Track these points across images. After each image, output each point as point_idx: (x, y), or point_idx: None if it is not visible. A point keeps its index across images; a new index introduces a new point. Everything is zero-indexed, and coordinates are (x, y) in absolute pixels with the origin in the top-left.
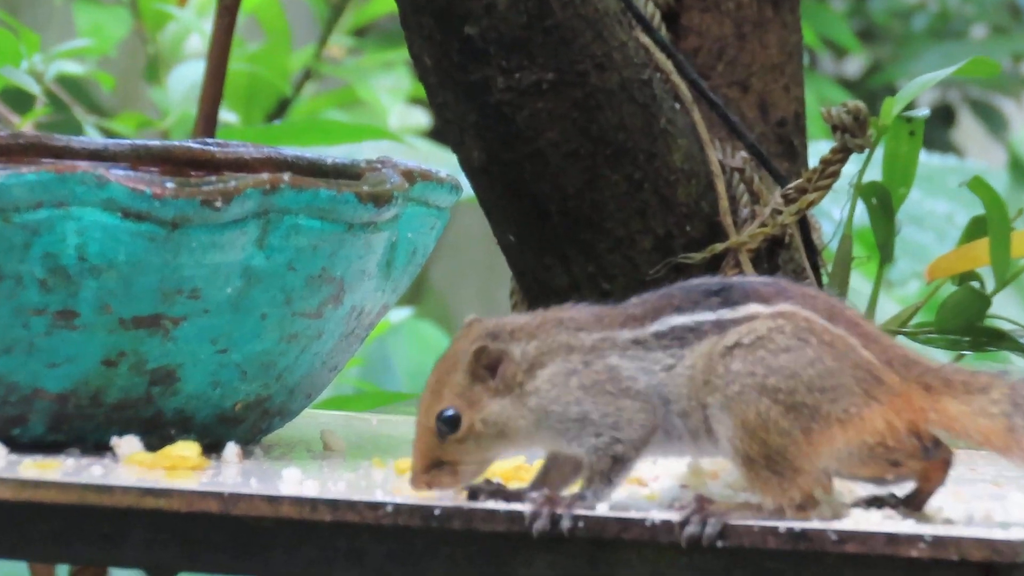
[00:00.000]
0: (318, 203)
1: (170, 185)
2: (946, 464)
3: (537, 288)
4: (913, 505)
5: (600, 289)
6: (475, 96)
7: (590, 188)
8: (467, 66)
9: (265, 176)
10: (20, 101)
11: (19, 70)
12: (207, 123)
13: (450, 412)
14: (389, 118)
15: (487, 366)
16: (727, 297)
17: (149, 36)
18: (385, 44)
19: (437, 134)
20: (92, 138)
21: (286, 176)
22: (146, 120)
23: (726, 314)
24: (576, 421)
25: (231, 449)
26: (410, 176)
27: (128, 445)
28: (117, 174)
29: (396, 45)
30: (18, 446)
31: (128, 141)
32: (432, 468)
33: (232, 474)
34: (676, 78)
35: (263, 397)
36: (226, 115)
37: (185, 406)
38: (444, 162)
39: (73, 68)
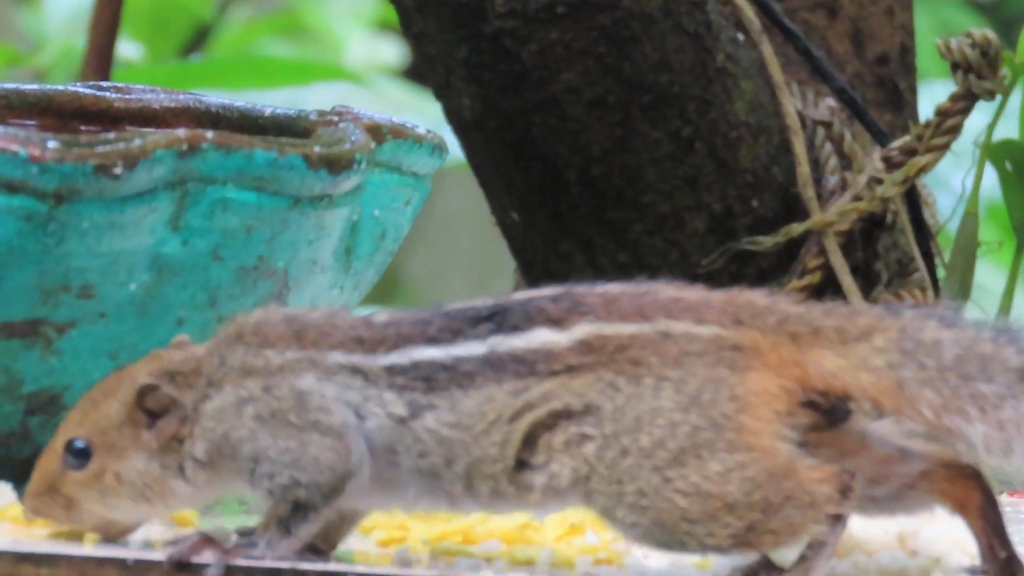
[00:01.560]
0: (253, 169)
1: (52, 145)
2: (980, 487)
3: (549, 283)
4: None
5: None
6: (466, 23)
7: (622, 149)
8: None
9: (181, 132)
10: None
11: None
12: (100, 59)
13: (81, 444)
14: (347, 53)
15: (148, 411)
16: (502, 321)
17: None
18: None
19: (414, 74)
20: None
21: (209, 133)
22: (15, 54)
23: (501, 343)
24: (249, 460)
25: None
26: (377, 132)
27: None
28: None
29: None
30: None
31: None
32: (46, 494)
33: (138, 535)
34: None
35: None
36: (126, 48)
37: None
38: (424, 114)
39: None
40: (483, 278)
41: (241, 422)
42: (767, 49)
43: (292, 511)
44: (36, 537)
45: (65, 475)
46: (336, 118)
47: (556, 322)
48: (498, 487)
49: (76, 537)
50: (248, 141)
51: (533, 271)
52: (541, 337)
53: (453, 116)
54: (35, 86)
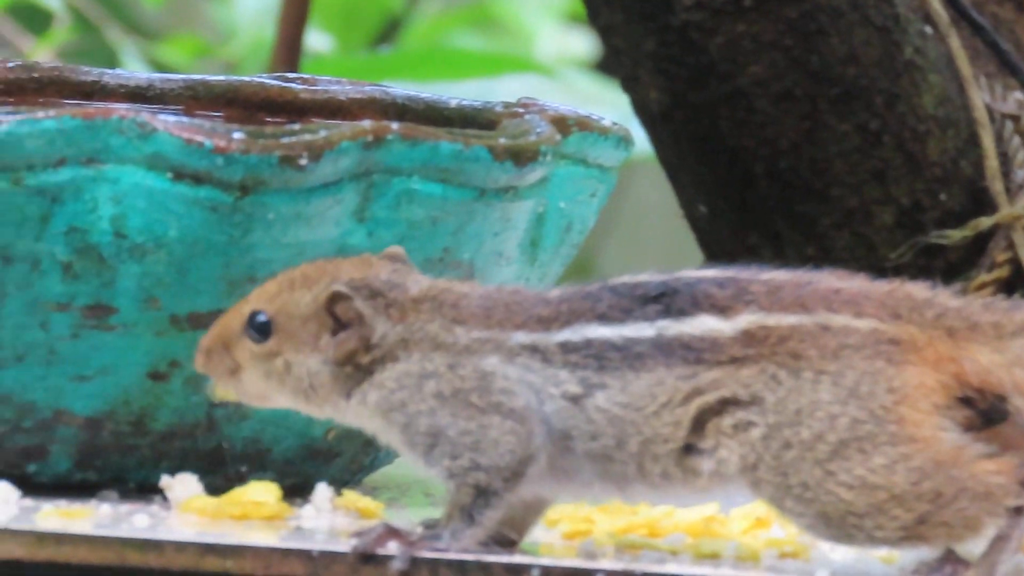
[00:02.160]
0: (438, 161)
1: (238, 136)
2: None
3: None
4: None
5: None
6: (653, 16)
7: (810, 142)
8: None
9: (367, 124)
10: (35, 20)
11: None
12: (289, 51)
13: (265, 319)
14: (537, 45)
15: (336, 317)
16: (669, 304)
17: None
18: None
19: (604, 67)
20: (132, 72)
21: (395, 125)
22: (205, 46)
23: (668, 328)
24: (425, 435)
25: (323, 492)
26: (563, 125)
27: (183, 487)
28: (166, 121)
29: None
30: (35, 487)
31: (181, 76)
32: (218, 351)
33: (324, 526)
34: None
35: None
36: (316, 40)
37: (259, 435)
38: (613, 106)
39: None
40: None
41: (422, 396)
42: (955, 42)
43: (474, 498)
44: (221, 528)
45: (242, 341)
46: (522, 110)
47: (721, 310)
48: (667, 470)
49: (261, 528)
50: (433, 133)
51: (720, 264)
52: (707, 325)
53: (641, 109)
54: (222, 77)
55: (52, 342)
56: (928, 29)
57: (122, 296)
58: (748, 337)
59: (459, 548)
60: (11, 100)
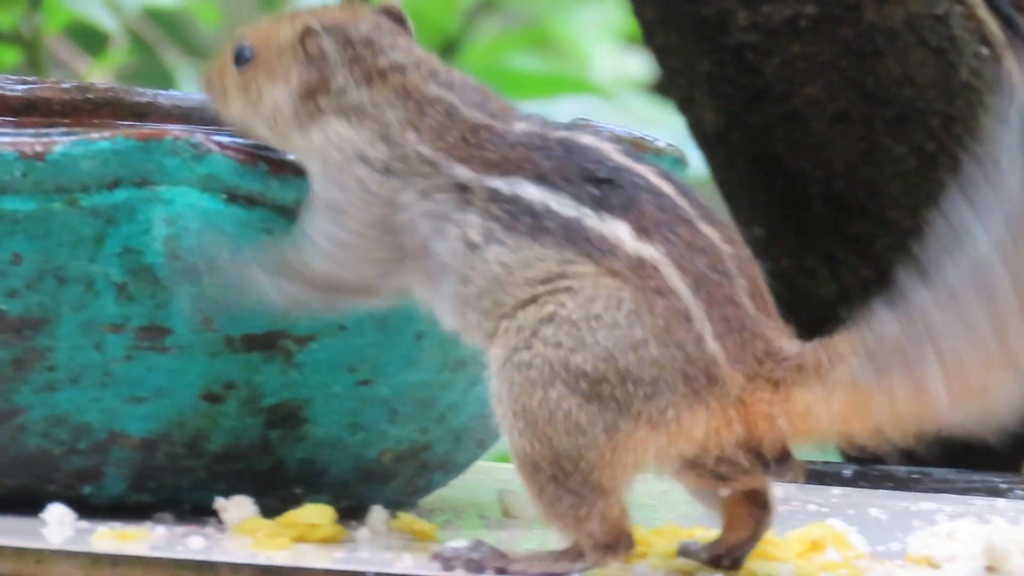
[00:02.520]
0: None
1: (293, 158)
2: (759, 513)
3: (793, 298)
4: (723, 562)
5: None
6: (708, 37)
7: (865, 163)
8: None
9: None
10: (92, 41)
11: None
12: None
13: (247, 48)
14: (594, 66)
15: (306, 52)
16: (606, 196)
17: None
18: None
19: (661, 88)
20: (187, 93)
21: None
22: None
23: (587, 221)
24: (317, 205)
25: (378, 515)
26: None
27: (238, 508)
28: (220, 142)
29: None
30: (90, 509)
31: None
32: (215, 77)
33: (379, 549)
34: (983, 13)
35: (420, 445)
36: None
37: (315, 456)
38: (670, 128)
39: None
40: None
41: (345, 173)
42: (1012, 63)
43: (288, 262)
44: (276, 550)
45: (229, 67)
46: None
47: (639, 230)
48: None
49: (316, 551)
50: None
51: (776, 285)
52: (617, 234)
53: (696, 130)
54: None
55: (107, 363)
56: (984, 50)
57: (177, 317)
58: (636, 265)
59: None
60: (66, 121)
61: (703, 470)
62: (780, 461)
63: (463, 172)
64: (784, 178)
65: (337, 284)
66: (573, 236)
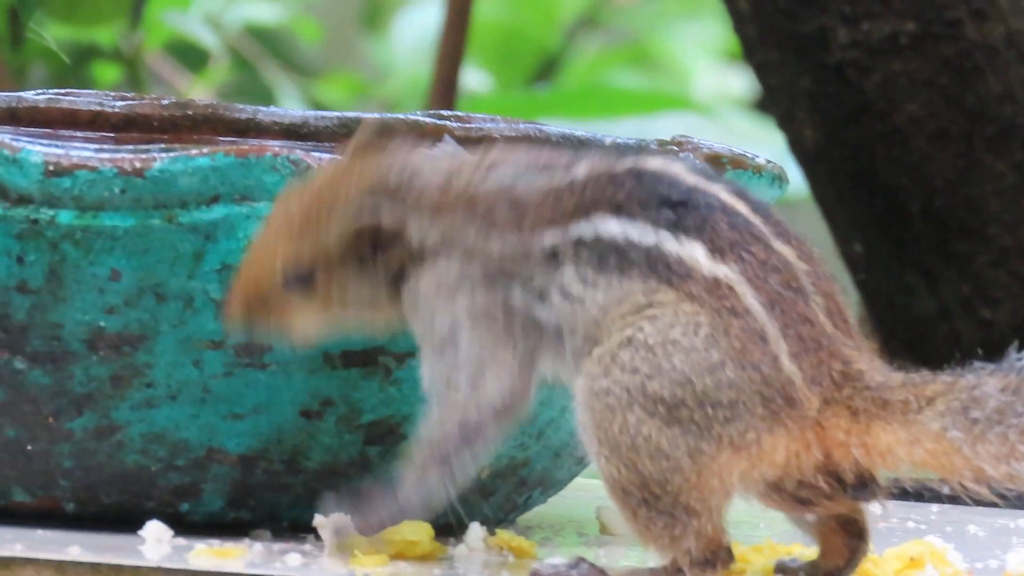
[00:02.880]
0: None
1: None
2: (854, 542)
3: (892, 314)
4: None
5: (978, 317)
6: (809, 54)
7: (965, 181)
8: (797, 13)
9: None
10: (192, 58)
11: (189, 15)
12: (445, 88)
13: (302, 269)
14: (695, 83)
15: (372, 233)
16: (682, 218)
17: None
18: None
19: (761, 106)
20: (286, 110)
21: None
22: (362, 84)
23: (665, 246)
24: (438, 343)
25: (476, 532)
26: (717, 162)
27: (337, 526)
28: (320, 159)
29: None
30: (188, 526)
31: (335, 113)
32: (258, 302)
33: (477, 566)
34: None
35: (518, 462)
36: (473, 78)
37: None
38: (770, 145)
39: (264, 13)
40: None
41: (451, 304)
42: None
43: (459, 436)
44: (374, 567)
45: (283, 295)
46: (677, 148)
47: (714, 251)
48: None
49: (414, 567)
50: None
51: (875, 302)
52: (694, 256)
53: (796, 147)
54: (376, 115)
55: (205, 380)
56: None
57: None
58: (712, 286)
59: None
60: (166, 138)
61: (785, 494)
62: (860, 486)
63: (549, 237)
64: (884, 195)
65: (492, 407)
66: (654, 264)
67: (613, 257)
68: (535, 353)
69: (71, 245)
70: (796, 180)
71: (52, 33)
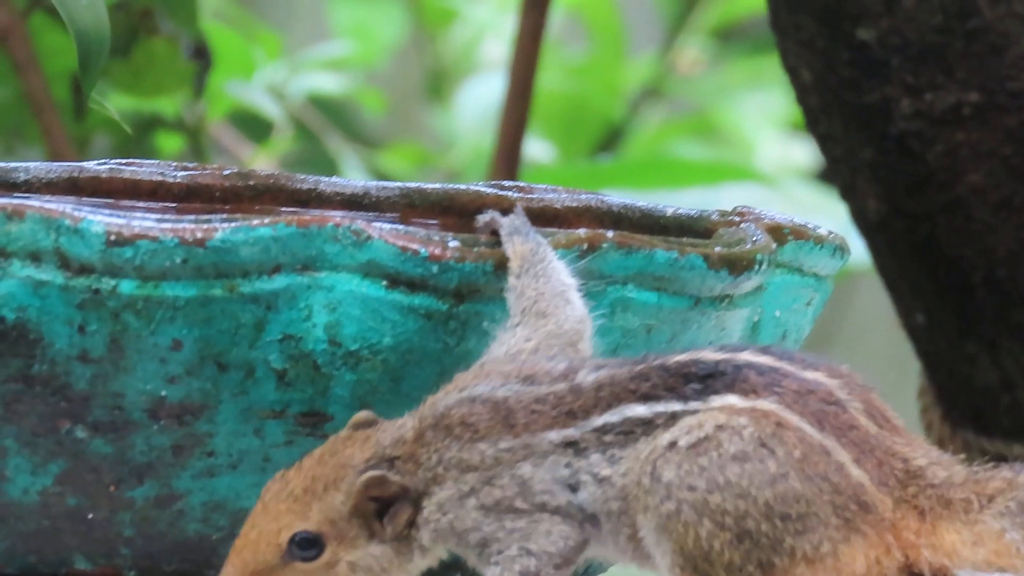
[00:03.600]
0: (653, 269)
1: (453, 244)
2: None
3: (954, 385)
4: None
5: None
6: (871, 125)
7: None
8: (860, 84)
9: (582, 232)
10: (255, 128)
11: (253, 85)
12: (508, 158)
13: (311, 536)
14: (758, 154)
15: (378, 499)
16: (710, 385)
17: (430, 40)
18: (753, 52)
19: (825, 176)
20: (348, 180)
21: (610, 233)
22: (425, 154)
23: (694, 407)
24: (476, 546)
25: None
26: (778, 233)
27: None
28: (381, 228)
29: (767, 53)
30: None
31: (397, 184)
32: None
33: None
34: None
35: None
36: (537, 149)
37: None
38: (832, 215)
39: (328, 83)
40: (898, 380)
41: (466, 513)
42: None
43: None
44: None
45: (289, 568)
46: (738, 218)
47: (746, 392)
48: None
49: None
50: (648, 241)
51: (938, 373)
52: (726, 403)
53: (859, 217)
54: (438, 185)
55: (266, 449)
56: None
57: (336, 404)
58: (751, 409)
59: None
60: (227, 208)
61: None
62: None
63: (556, 435)
64: (946, 265)
65: (565, 557)
66: (679, 416)
67: (639, 429)
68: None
69: (132, 315)
70: (859, 251)
71: (115, 103)
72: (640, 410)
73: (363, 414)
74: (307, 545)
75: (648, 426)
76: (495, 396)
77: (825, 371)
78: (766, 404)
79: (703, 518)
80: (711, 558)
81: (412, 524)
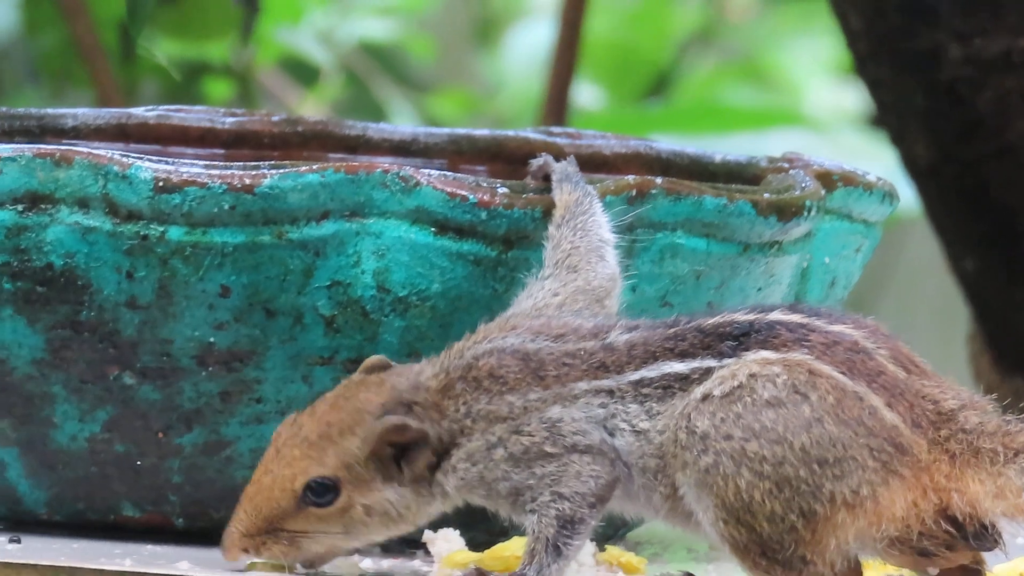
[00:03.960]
0: (702, 215)
1: (502, 190)
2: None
3: (1004, 332)
4: None
5: None
6: (921, 71)
7: None
8: (910, 29)
9: (630, 179)
10: (304, 74)
11: (301, 31)
12: (557, 104)
13: (327, 482)
14: (809, 99)
15: (395, 444)
16: (743, 343)
17: None
18: None
19: (875, 121)
20: (396, 126)
21: (659, 179)
22: (474, 99)
23: (728, 363)
24: (508, 496)
25: (586, 548)
26: (827, 179)
27: (446, 541)
28: (429, 175)
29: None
30: None
31: (445, 130)
32: (266, 533)
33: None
34: None
35: None
36: (586, 93)
37: None
38: (882, 160)
39: (377, 29)
40: (949, 327)
41: (495, 464)
42: None
43: (559, 528)
44: None
45: (302, 513)
46: (787, 165)
47: (779, 345)
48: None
49: None
50: (697, 187)
51: (988, 320)
52: (758, 357)
53: (908, 163)
54: (486, 131)
55: (315, 396)
56: None
57: (384, 350)
58: (783, 360)
59: None
60: (275, 154)
61: (906, 547)
62: (980, 534)
63: (586, 384)
64: (995, 212)
65: (598, 495)
66: (715, 371)
67: (677, 384)
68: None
69: (180, 261)
70: (908, 197)
71: (164, 49)
72: (677, 367)
73: (375, 358)
74: (322, 491)
75: (685, 381)
76: (525, 348)
77: (851, 323)
78: (797, 355)
79: (741, 467)
80: (752, 509)
81: (432, 469)
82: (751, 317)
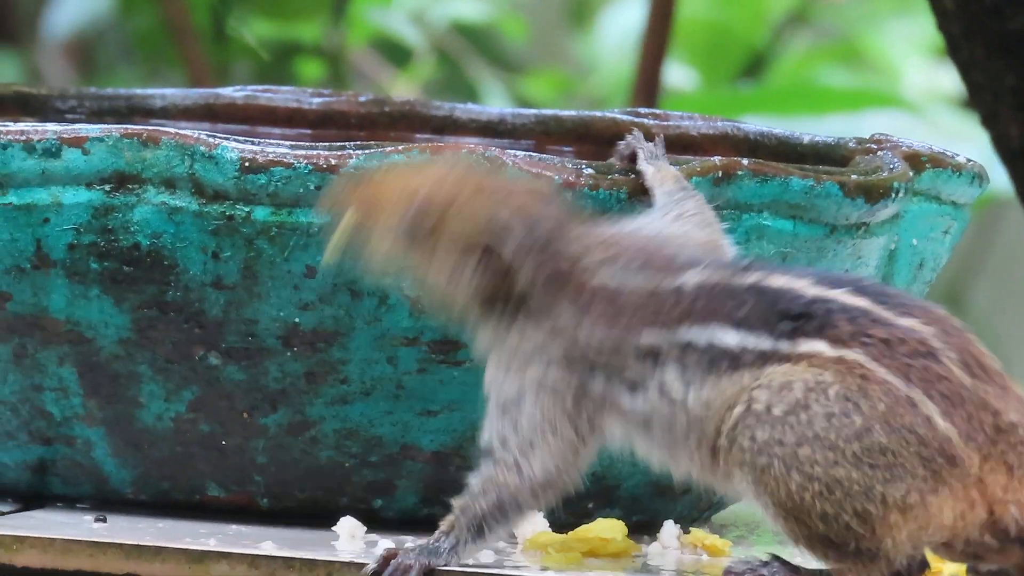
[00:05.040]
0: (789, 197)
1: (587, 171)
2: None
3: None
4: None
5: None
6: (1013, 51)
7: None
8: (1003, 10)
9: (716, 160)
10: (396, 55)
11: (394, 12)
12: (648, 86)
13: (427, 226)
14: (904, 80)
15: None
16: (802, 326)
17: None
18: None
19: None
20: (483, 107)
21: (745, 161)
22: (566, 80)
23: (782, 347)
24: (502, 403)
25: (670, 530)
26: (916, 161)
27: (530, 522)
28: (515, 156)
29: None
30: (381, 522)
31: (532, 111)
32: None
33: (670, 564)
34: None
35: None
36: (679, 74)
37: (607, 471)
38: (976, 142)
39: (470, 10)
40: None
41: (523, 372)
42: None
43: (493, 506)
44: (567, 564)
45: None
46: (875, 146)
47: (834, 340)
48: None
49: (607, 565)
50: (784, 169)
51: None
52: (813, 348)
53: (1000, 145)
54: (573, 112)
55: (399, 377)
56: None
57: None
58: (837, 360)
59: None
60: (363, 135)
61: (954, 552)
62: None
63: (648, 337)
64: None
65: (533, 483)
66: (767, 357)
67: (725, 361)
68: (596, 437)
69: (266, 241)
70: (1000, 179)
71: (257, 30)
72: (730, 338)
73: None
74: (421, 229)
75: (734, 361)
76: (614, 288)
77: (921, 316)
78: (852, 355)
79: (791, 471)
80: (804, 508)
81: (504, 309)
82: (814, 293)
